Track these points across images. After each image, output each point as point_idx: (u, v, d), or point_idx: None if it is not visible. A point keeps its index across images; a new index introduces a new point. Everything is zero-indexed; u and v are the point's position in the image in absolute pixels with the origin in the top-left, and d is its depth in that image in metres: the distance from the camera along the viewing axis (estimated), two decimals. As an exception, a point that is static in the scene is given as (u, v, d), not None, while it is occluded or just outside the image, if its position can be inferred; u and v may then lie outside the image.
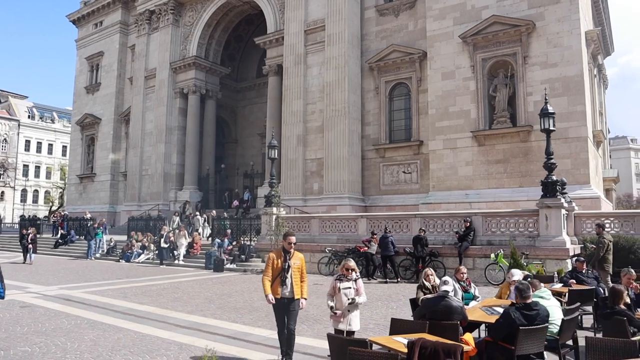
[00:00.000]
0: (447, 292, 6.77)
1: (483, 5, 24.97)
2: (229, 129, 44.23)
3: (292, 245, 7.21)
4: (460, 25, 25.33)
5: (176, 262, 23.31)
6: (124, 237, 29.45)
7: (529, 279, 8.17)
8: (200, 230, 26.45)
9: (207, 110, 38.27)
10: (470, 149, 24.70)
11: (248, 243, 22.94)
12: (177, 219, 27.37)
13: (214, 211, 29.92)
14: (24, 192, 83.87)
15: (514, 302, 6.56)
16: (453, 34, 25.51)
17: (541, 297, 6.96)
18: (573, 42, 22.85)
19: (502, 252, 15.58)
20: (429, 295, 7.82)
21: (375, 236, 18.92)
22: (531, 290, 6.45)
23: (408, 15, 28.28)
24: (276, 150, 22.74)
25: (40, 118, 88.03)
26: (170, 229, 25.31)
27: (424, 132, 26.85)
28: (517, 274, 8.77)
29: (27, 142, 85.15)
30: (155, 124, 37.76)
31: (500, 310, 6.98)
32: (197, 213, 28.19)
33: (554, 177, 16.51)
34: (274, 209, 22.23)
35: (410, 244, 18.28)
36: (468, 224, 17.45)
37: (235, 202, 32.20)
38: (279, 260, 7.15)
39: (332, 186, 27.58)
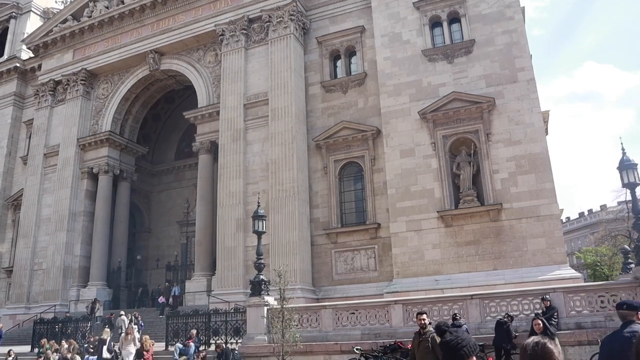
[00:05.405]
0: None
1: (440, 83, 24.26)
2: (141, 217, 39.21)
3: None
4: (417, 102, 24.28)
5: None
6: (26, 348, 22.97)
7: None
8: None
9: (121, 194, 33.49)
10: (437, 231, 22.77)
11: (232, 347, 17.11)
12: (126, 319, 21.54)
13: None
14: None
15: None
16: (410, 110, 24.32)
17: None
18: (535, 119, 22.56)
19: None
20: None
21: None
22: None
23: (357, 92, 26.86)
24: (264, 222, 17.83)
25: None
26: (110, 333, 19.19)
27: (381, 214, 24.66)
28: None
29: None
30: (55, 209, 31.90)
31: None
32: (122, 313, 22.70)
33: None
34: (269, 299, 16.61)
35: (473, 334, 13.94)
36: (548, 302, 14.39)
37: (162, 299, 27.11)
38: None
39: (281, 276, 23.94)
